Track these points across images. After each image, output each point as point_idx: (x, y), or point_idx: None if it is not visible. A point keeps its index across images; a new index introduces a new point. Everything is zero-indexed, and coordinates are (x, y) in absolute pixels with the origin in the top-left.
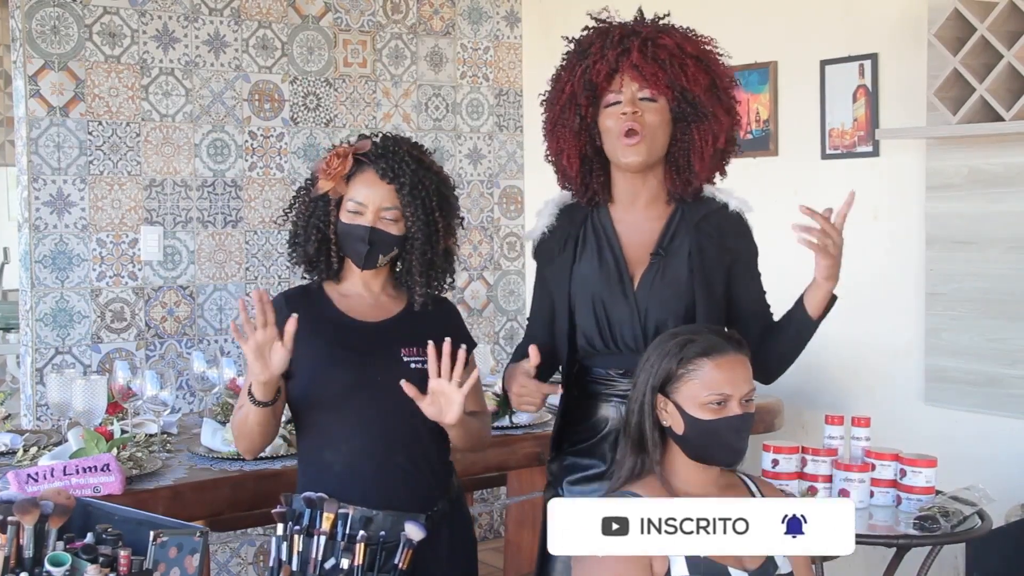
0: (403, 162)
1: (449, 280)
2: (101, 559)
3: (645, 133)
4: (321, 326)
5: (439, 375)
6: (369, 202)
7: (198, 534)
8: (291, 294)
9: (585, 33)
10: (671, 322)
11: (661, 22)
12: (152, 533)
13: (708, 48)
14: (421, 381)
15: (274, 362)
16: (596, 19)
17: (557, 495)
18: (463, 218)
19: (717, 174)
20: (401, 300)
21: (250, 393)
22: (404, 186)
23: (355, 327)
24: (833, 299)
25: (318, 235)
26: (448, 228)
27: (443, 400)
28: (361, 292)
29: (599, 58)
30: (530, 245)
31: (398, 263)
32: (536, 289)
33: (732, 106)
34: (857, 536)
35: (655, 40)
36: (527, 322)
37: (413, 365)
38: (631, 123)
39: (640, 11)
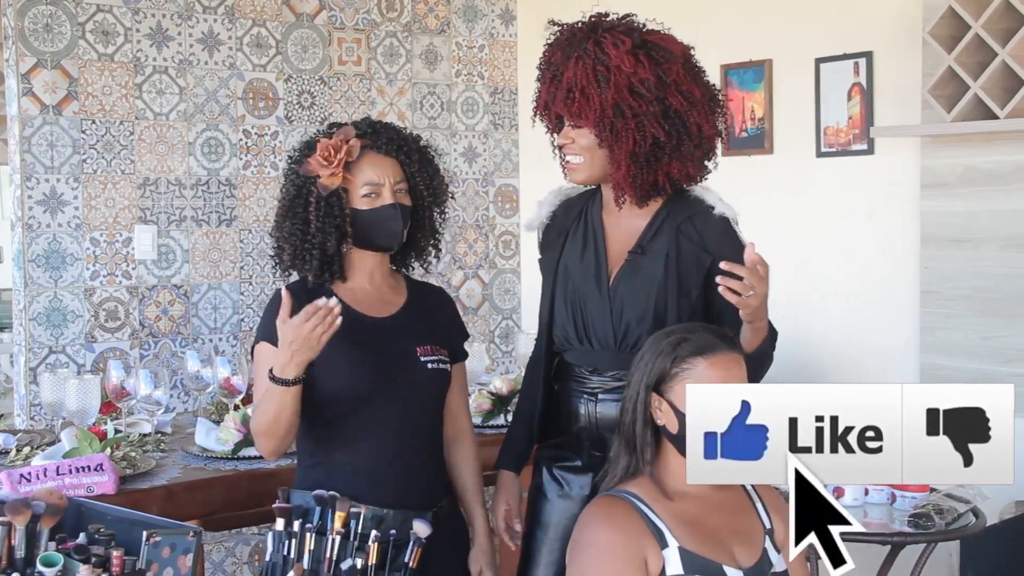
0: (397, 133)
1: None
2: (93, 559)
3: (581, 156)
4: (340, 327)
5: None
6: (384, 179)
7: (191, 534)
8: (295, 290)
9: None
10: (643, 322)
11: (603, 23)
12: (145, 533)
13: (603, 70)
14: (438, 380)
15: (322, 342)
16: (552, 23)
17: (544, 479)
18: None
19: (695, 175)
20: (400, 291)
21: (280, 379)
22: (412, 154)
23: (369, 324)
24: (773, 334)
25: (336, 231)
26: (447, 191)
27: None
28: (366, 286)
29: (538, 93)
30: (535, 235)
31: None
32: (542, 277)
33: (642, 122)
34: (851, 534)
35: (561, 72)
36: (539, 310)
37: (431, 365)
38: (565, 151)
39: (582, 20)
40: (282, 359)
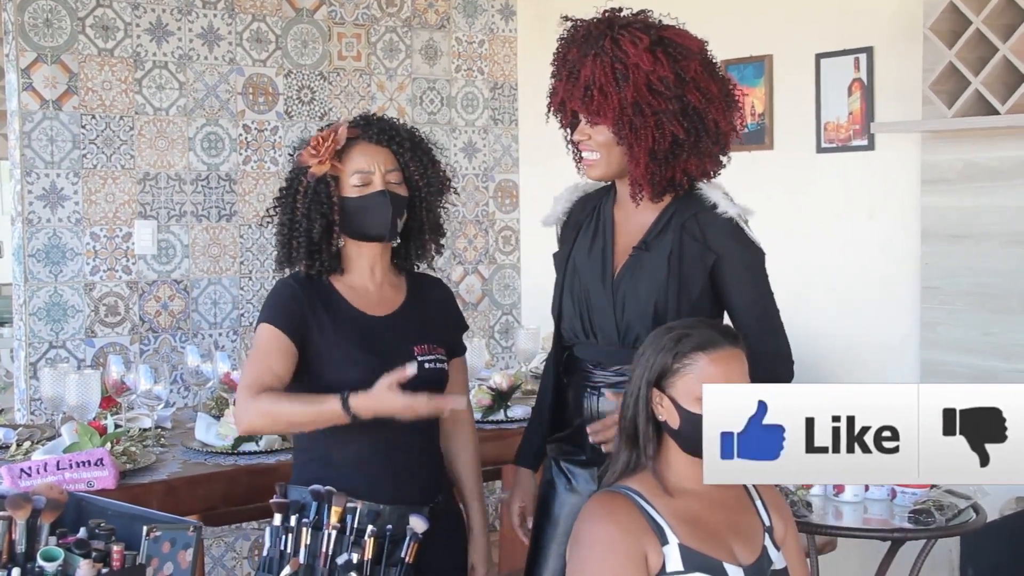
0: (389, 124)
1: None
2: (94, 554)
3: (598, 152)
4: (339, 323)
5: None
6: (374, 167)
7: (191, 529)
8: (298, 279)
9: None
10: (643, 318)
11: (619, 20)
12: (145, 528)
13: (621, 68)
14: (435, 379)
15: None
16: (565, 19)
17: (554, 473)
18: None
19: (711, 170)
20: (400, 288)
21: (353, 413)
22: (403, 143)
23: (370, 324)
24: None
25: (322, 219)
26: (446, 180)
27: None
28: (366, 283)
29: (553, 90)
30: (535, 230)
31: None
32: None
33: (661, 120)
34: (852, 530)
35: (578, 70)
36: (551, 304)
37: (428, 365)
38: (582, 148)
39: (597, 16)
40: (373, 406)
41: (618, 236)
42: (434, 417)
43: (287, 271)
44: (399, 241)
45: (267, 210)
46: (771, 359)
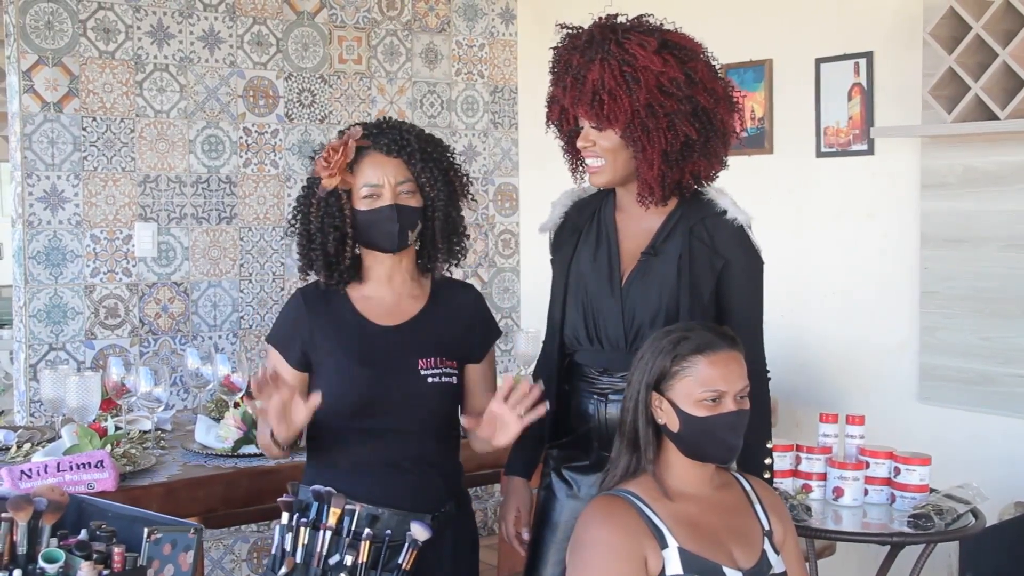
0: (404, 133)
1: (467, 243)
2: (95, 556)
3: (603, 158)
4: (342, 332)
5: (504, 401)
6: (384, 180)
7: (192, 531)
8: (308, 292)
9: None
10: (655, 322)
11: (620, 25)
12: (146, 530)
13: (630, 71)
14: (438, 393)
15: (297, 420)
16: (562, 27)
17: (553, 479)
18: (470, 179)
19: (715, 172)
20: (422, 295)
21: (272, 437)
22: (414, 154)
23: (375, 334)
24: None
25: (336, 232)
26: (463, 188)
27: (499, 424)
28: (383, 292)
29: (552, 97)
30: (540, 236)
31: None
32: (552, 278)
33: (673, 121)
34: (851, 534)
35: (584, 75)
36: (548, 311)
37: (431, 379)
38: (586, 155)
39: (596, 22)
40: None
41: (623, 242)
42: (443, 427)
43: (309, 276)
44: (418, 246)
45: (288, 222)
46: (748, 366)
